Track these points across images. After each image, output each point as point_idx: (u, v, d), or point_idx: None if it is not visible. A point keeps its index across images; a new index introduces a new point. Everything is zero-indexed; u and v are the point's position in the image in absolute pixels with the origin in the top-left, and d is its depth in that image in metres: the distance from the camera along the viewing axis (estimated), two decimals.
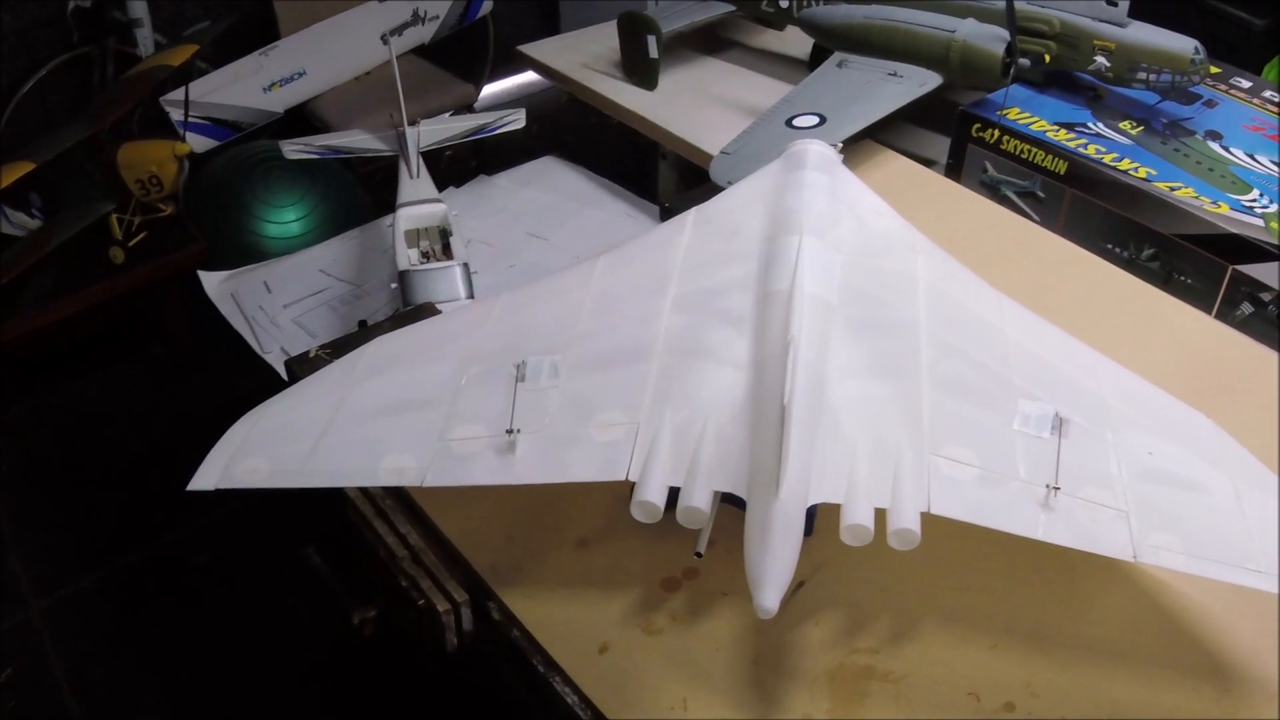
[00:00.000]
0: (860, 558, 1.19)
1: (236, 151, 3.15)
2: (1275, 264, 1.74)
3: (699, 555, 1.14)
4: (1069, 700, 1.19)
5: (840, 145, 1.55)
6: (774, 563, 1.03)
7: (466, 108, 3.46)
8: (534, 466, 1.17)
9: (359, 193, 3.10)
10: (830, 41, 2.27)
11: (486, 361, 1.27)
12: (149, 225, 2.99)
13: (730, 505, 1.13)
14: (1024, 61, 2.06)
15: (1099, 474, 1.16)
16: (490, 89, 3.92)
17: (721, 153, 1.95)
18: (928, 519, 1.10)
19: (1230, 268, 1.78)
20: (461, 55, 3.63)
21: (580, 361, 1.25)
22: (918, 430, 1.17)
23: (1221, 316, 1.81)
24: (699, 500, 1.10)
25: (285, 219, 3.04)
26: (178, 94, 2.99)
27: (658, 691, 1.19)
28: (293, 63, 3.22)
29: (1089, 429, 1.20)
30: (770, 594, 1.01)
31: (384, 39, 3.11)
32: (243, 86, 3.19)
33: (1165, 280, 1.86)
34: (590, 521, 1.35)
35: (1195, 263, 1.83)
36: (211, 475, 1.22)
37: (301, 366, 1.59)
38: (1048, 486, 1.13)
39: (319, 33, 3.26)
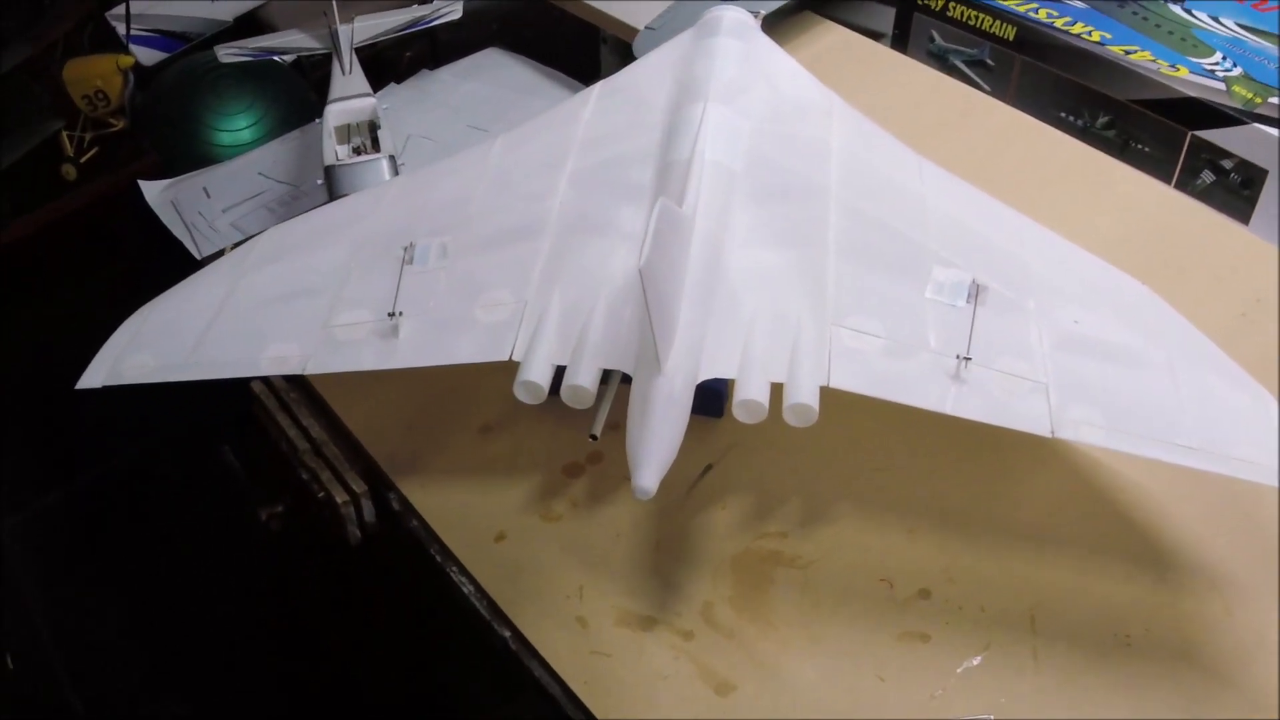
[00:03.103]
0: (774, 439, 1.14)
1: (185, 63, 3.04)
2: (1237, 129, 1.65)
3: (594, 438, 1.09)
4: (989, 587, 1.14)
5: (760, 13, 1.47)
6: (653, 441, 0.96)
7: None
8: (416, 349, 1.11)
9: (310, 96, 3.01)
10: None
11: (376, 246, 1.21)
12: (100, 141, 2.93)
13: None
14: None
15: (1017, 344, 1.09)
16: None
17: (646, 28, 1.85)
18: (846, 396, 1.04)
19: (1189, 133, 1.70)
20: None
21: (470, 242, 1.19)
22: (821, 301, 1.10)
23: (1181, 186, 1.73)
24: (584, 379, 1.03)
25: (237, 126, 2.93)
26: (122, 8, 2.90)
27: (553, 579, 1.14)
28: None
29: (1009, 297, 1.12)
30: (648, 474, 0.95)
31: None
32: None
33: (1121, 149, 1.78)
34: (494, 407, 1.29)
35: (1153, 129, 1.74)
36: (99, 373, 1.18)
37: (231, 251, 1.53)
38: (958, 357, 1.06)
39: None
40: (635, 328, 1.05)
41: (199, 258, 2.11)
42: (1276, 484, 0.98)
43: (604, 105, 1.33)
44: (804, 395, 1.01)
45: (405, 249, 1.18)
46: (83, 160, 2.91)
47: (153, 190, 2.38)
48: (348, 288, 1.17)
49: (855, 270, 1.13)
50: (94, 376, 1.18)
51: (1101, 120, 1.79)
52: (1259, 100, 1.67)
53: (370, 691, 1.60)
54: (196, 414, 1.67)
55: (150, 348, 1.18)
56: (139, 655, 2.23)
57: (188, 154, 2.91)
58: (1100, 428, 1.03)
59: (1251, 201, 1.66)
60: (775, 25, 1.87)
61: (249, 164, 2.38)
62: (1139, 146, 1.76)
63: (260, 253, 1.26)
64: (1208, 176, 1.70)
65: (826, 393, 1.03)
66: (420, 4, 3.30)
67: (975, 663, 1.09)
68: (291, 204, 2.21)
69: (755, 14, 1.45)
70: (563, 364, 1.06)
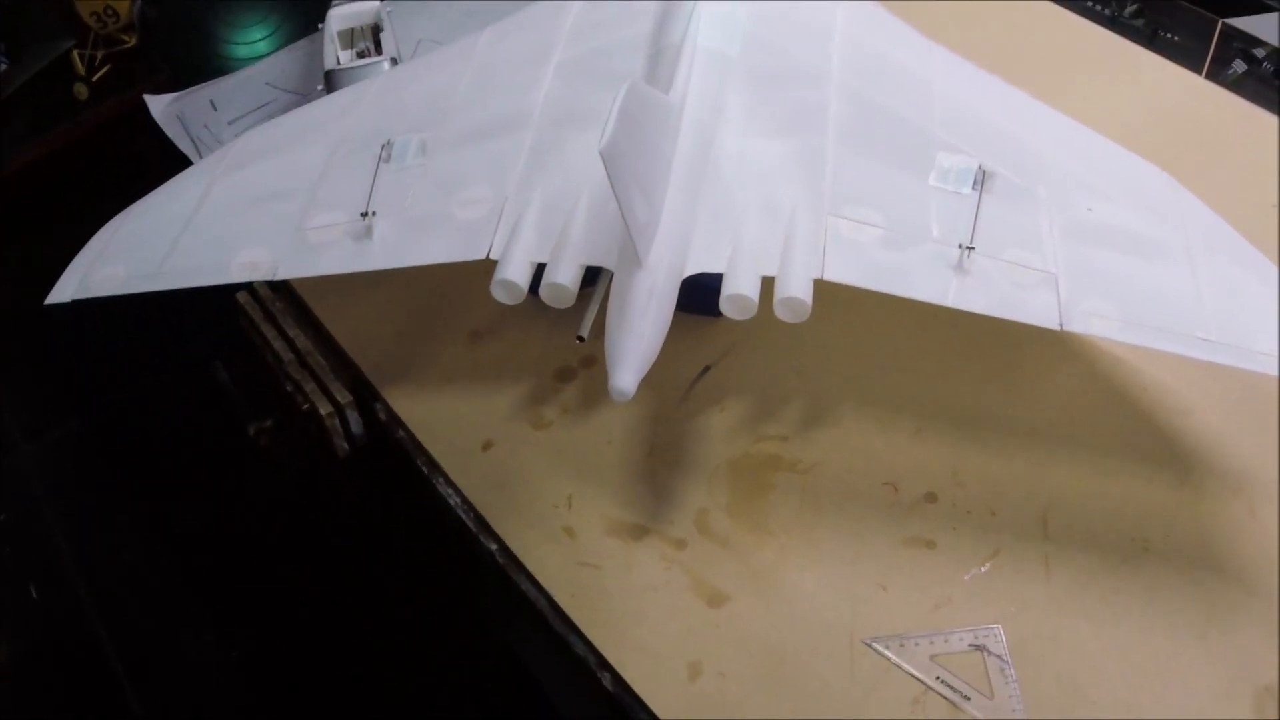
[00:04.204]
0: (776, 338, 1.09)
1: None
2: (1270, 16, 1.57)
3: (581, 339, 1.03)
4: (999, 489, 1.08)
5: None
6: (631, 338, 0.91)
7: None
8: (389, 250, 1.05)
9: (325, 6, 2.95)
10: None
11: (354, 144, 1.16)
12: (112, 59, 2.89)
13: None
14: None
15: (1026, 233, 1.02)
16: None
17: None
18: (851, 292, 0.98)
19: (1220, 21, 1.61)
20: None
21: (451, 137, 1.13)
22: (817, 190, 1.04)
23: (1212, 76, 1.64)
24: (564, 276, 0.98)
25: (252, 38, 2.88)
26: None
27: (540, 489, 1.10)
28: None
29: (1018, 183, 1.06)
30: (625, 373, 0.89)
31: None
32: None
33: (1150, 38, 1.70)
34: (485, 312, 1.24)
35: (1182, 17, 1.66)
36: (69, 287, 1.14)
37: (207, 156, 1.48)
38: (961, 246, 0.99)
39: None
40: (619, 223, 1.00)
41: None
42: None
43: None
44: (795, 288, 0.96)
45: (383, 147, 1.13)
46: (94, 79, 2.87)
47: (159, 105, 2.32)
48: (322, 189, 1.12)
49: (855, 158, 1.07)
50: (64, 290, 1.13)
51: (1130, 9, 1.71)
52: None
53: (370, 614, 1.57)
54: (196, 329, 1.63)
55: (121, 259, 1.14)
56: (159, 581, 2.22)
57: (202, 68, 2.85)
58: (1113, 320, 0.97)
59: None
60: None
61: (256, 74, 2.32)
62: (1168, 35, 1.68)
63: (236, 156, 1.21)
64: (1239, 66, 1.62)
65: (831, 288, 0.97)
66: None
67: (984, 570, 1.04)
68: None
69: None
70: (544, 261, 1.01)
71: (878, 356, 1.18)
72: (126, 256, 1.13)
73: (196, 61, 2.89)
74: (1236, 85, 1.62)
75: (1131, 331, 0.97)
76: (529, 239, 1.01)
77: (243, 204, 1.14)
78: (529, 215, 1.03)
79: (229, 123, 2.19)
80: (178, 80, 2.77)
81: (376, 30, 1.91)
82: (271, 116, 2.15)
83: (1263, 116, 1.55)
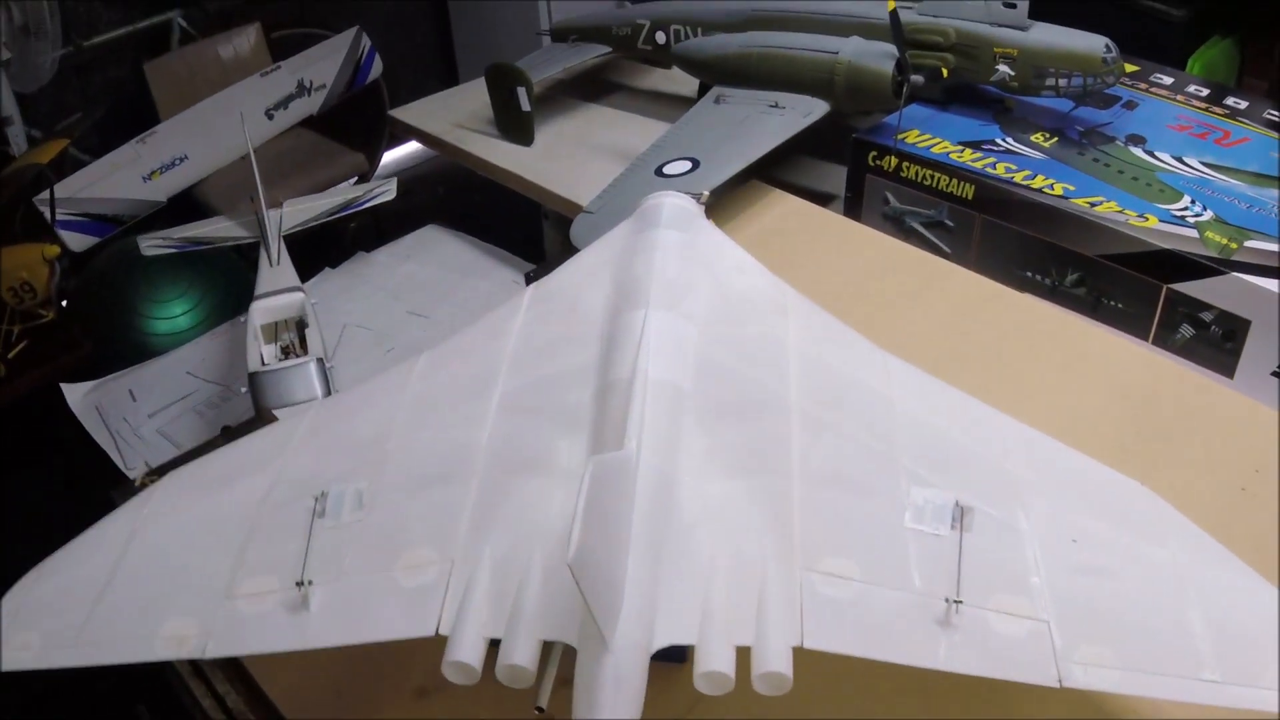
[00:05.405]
0: (747, 685, 1.00)
1: (118, 247, 2.95)
2: (1215, 280, 1.55)
3: (540, 710, 0.94)
4: None
5: (704, 195, 1.36)
6: None
7: (361, 178, 3.27)
8: (329, 626, 0.97)
9: (249, 278, 2.91)
10: (708, 76, 2.08)
11: (286, 494, 1.07)
12: (30, 333, 2.82)
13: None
14: (917, 78, 1.87)
15: (1012, 574, 0.96)
16: (394, 155, 3.74)
17: (584, 212, 1.75)
18: None
19: (1165, 287, 1.59)
20: (357, 123, 3.44)
21: (390, 486, 1.05)
22: (788, 540, 0.97)
23: (1160, 342, 1.63)
24: (521, 656, 0.90)
25: (173, 313, 2.85)
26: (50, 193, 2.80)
27: None
28: (172, 148, 3.01)
29: (998, 517, 1.00)
30: None
31: (268, 114, 2.94)
32: (120, 178, 2.97)
33: (1094, 307, 1.68)
34: (431, 666, 1.13)
35: (1125, 285, 1.64)
36: None
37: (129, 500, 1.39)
38: (948, 601, 0.92)
39: (200, 113, 3.06)
40: (579, 593, 0.92)
41: (124, 470, 1.98)
42: None
43: (536, 313, 1.21)
44: (774, 662, 0.88)
45: (317, 499, 1.04)
46: (10, 355, 2.80)
47: (76, 394, 2.23)
48: (253, 547, 1.03)
49: (824, 497, 1.00)
50: None
51: (1071, 277, 1.69)
52: (1234, 246, 1.57)
53: None
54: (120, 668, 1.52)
55: (36, 625, 1.03)
56: None
57: (122, 344, 2.79)
58: (1113, 669, 0.90)
59: (1235, 354, 1.56)
60: (722, 196, 1.78)
61: (177, 362, 2.24)
62: (1112, 303, 1.66)
63: (159, 503, 1.12)
64: (1187, 330, 1.60)
65: None
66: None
67: None
68: (221, 405, 2.08)
69: (698, 196, 1.34)
70: (496, 636, 0.92)
71: (856, 704, 1.10)
72: (42, 623, 1.03)
73: (116, 336, 2.83)
74: (1185, 350, 1.60)
75: (1133, 680, 0.90)
76: (480, 611, 0.93)
77: (166, 562, 1.05)
78: (479, 582, 0.95)
79: (149, 415, 2.12)
80: (97, 356, 2.69)
81: (301, 325, 1.85)
82: (193, 409, 2.09)
83: (1218, 387, 1.52)
